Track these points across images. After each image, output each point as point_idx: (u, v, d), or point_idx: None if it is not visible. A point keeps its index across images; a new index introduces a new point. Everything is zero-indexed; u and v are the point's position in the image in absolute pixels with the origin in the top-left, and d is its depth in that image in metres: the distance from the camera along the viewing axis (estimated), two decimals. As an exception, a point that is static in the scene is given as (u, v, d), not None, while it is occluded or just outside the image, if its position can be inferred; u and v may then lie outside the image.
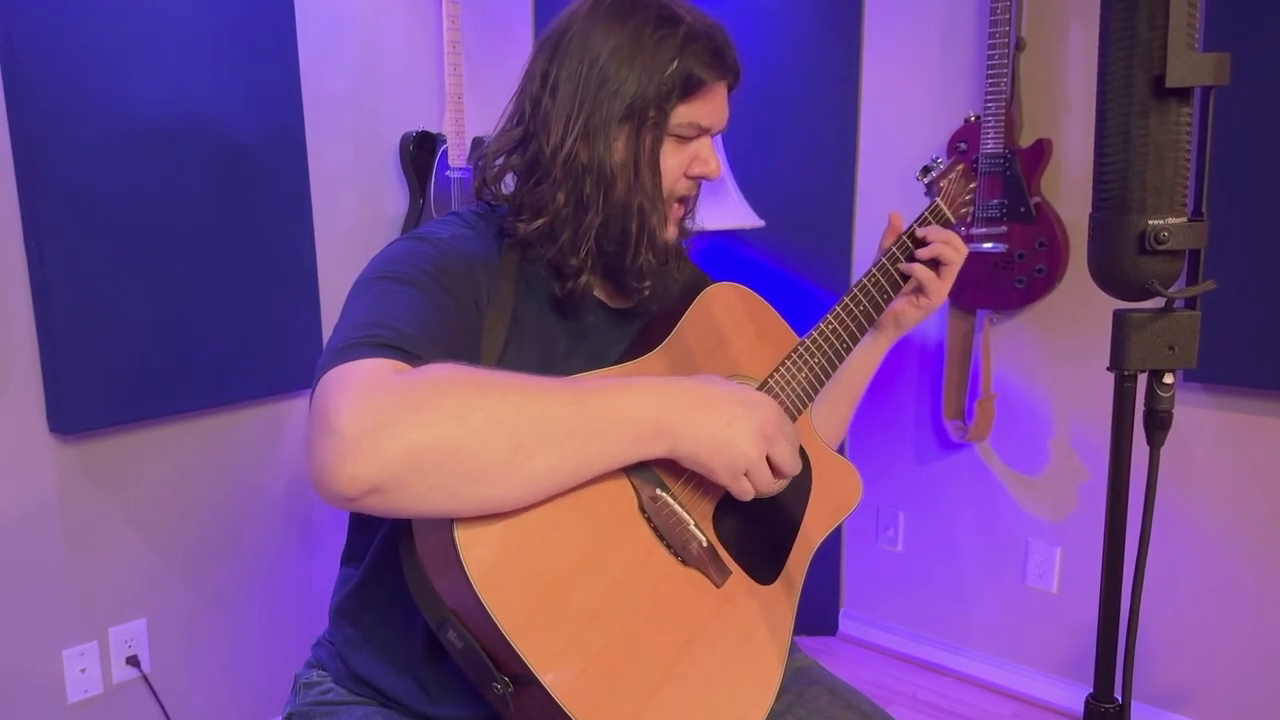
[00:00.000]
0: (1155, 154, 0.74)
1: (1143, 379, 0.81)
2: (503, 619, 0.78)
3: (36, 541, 1.81)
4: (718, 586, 0.95)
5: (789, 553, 1.06)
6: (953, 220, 1.25)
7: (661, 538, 0.92)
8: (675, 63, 0.99)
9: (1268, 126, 1.85)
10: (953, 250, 1.19)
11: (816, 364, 1.11)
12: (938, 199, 1.25)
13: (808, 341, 1.11)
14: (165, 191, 1.85)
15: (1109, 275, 0.79)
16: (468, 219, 1.08)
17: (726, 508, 1.00)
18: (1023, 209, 2.10)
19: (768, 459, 0.92)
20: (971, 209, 1.29)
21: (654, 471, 0.93)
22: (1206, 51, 0.71)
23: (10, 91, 1.67)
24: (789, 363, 1.09)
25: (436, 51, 2.39)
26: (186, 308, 1.91)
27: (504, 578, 0.80)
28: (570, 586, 0.84)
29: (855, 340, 1.15)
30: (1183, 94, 0.73)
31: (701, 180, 1.08)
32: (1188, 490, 2.09)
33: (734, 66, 1.04)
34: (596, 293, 1.10)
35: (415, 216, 2.33)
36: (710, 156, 1.06)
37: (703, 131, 1.05)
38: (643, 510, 0.92)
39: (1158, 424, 0.80)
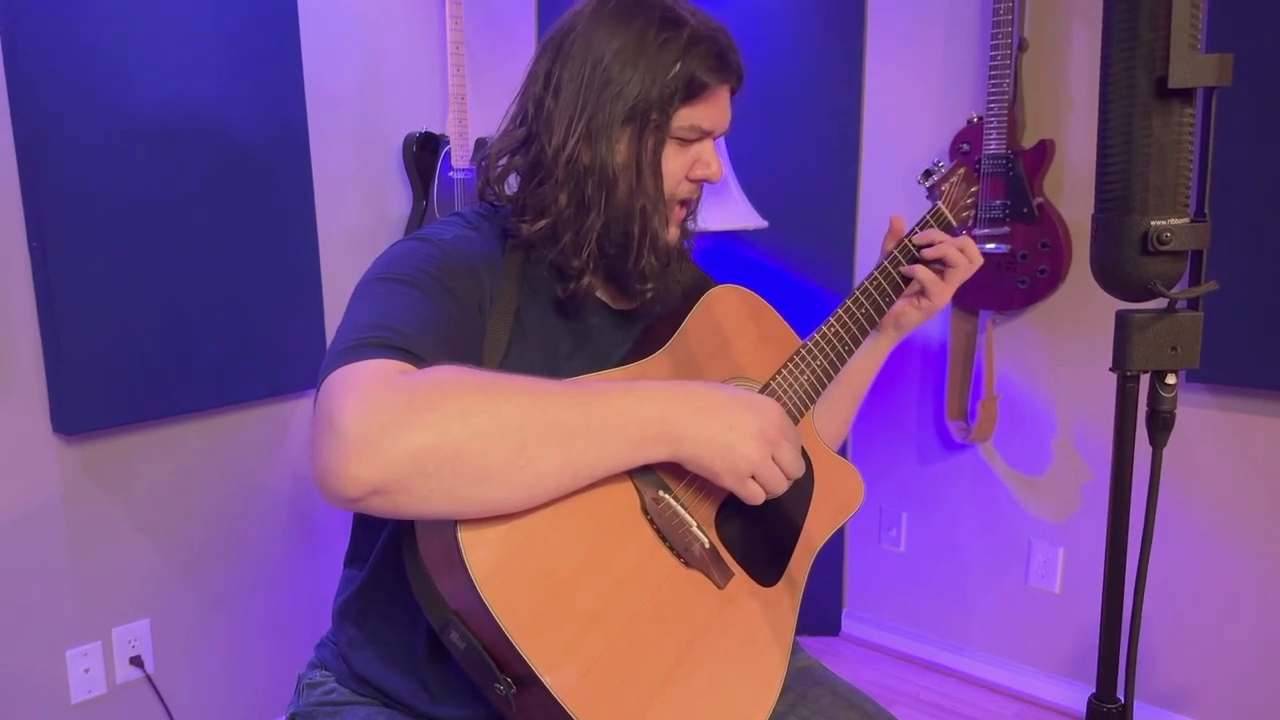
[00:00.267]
0: (1158, 155, 0.74)
1: (1145, 379, 0.81)
2: (505, 620, 0.78)
3: (40, 542, 1.81)
4: (720, 588, 0.95)
5: (791, 554, 1.06)
6: (954, 224, 1.25)
7: (664, 539, 0.92)
8: (678, 65, 0.99)
9: (1270, 127, 1.85)
10: (961, 254, 1.19)
11: (819, 366, 1.11)
12: (939, 202, 1.25)
13: (810, 344, 1.11)
14: (168, 192, 1.85)
15: (1111, 276, 0.79)
16: (471, 220, 1.08)
17: (729, 510, 1.00)
18: (1025, 210, 2.10)
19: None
20: (973, 212, 1.28)
21: (657, 473, 0.93)
22: (1209, 52, 0.71)
23: (13, 91, 1.68)
24: (791, 365, 1.09)
25: (440, 52, 2.39)
26: (190, 308, 1.91)
27: (507, 579, 0.80)
28: (573, 588, 0.84)
29: (857, 343, 1.15)
30: (1185, 95, 0.73)
31: (703, 183, 1.08)
32: (1190, 490, 2.09)
33: (737, 70, 1.04)
34: (599, 294, 1.10)
35: (418, 217, 2.34)
36: (712, 159, 1.06)
37: (705, 134, 1.05)
38: (645, 512, 0.92)
39: (1160, 424, 0.80)
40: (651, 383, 0.90)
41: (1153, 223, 0.75)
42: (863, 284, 1.18)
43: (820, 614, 2.68)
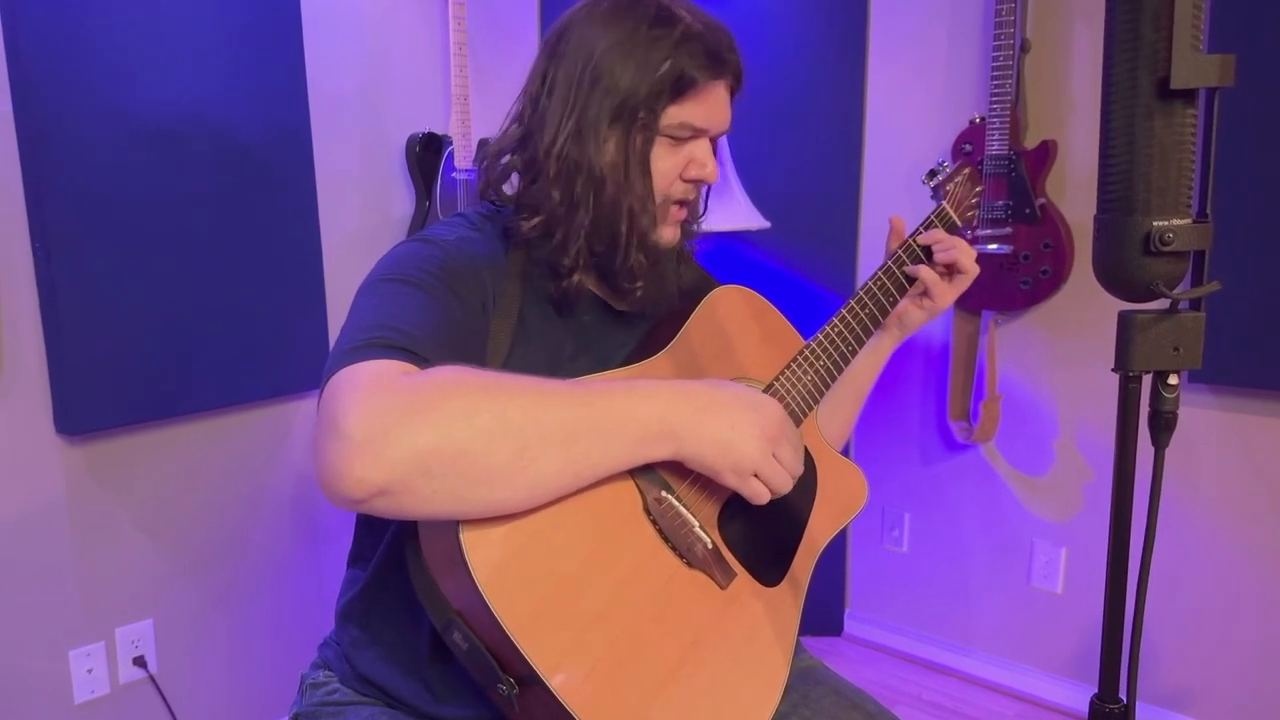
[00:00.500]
0: (1160, 155, 0.74)
1: (1148, 380, 0.81)
2: (508, 620, 0.78)
3: (43, 542, 1.81)
4: (723, 588, 0.95)
5: (794, 555, 1.06)
6: (959, 224, 1.25)
7: (666, 539, 0.92)
8: (668, 62, 0.98)
9: (1272, 128, 1.85)
10: (968, 259, 1.18)
11: (822, 366, 1.11)
12: (943, 202, 1.25)
13: (813, 344, 1.11)
14: (171, 192, 1.86)
15: (1114, 276, 0.79)
16: (473, 220, 1.08)
17: (732, 510, 1.00)
18: (1028, 210, 2.10)
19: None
20: (977, 212, 1.28)
21: (659, 473, 0.93)
22: (1211, 53, 0.71)
23: (17, 92, 1.68)
24: (794, 365, 1.09)
25: (443, 53, 2.40)
26: (193, 308, 1.91)
27: (509, 579, 0.80)
28: (575, 588, 0.84)
29: (861, 343, 1.15)
30: (1187, 95, 0.73)
31: (699, 183, 1.07)
32: (1192, 491, 2.09)
33: (733, 68, 1.03)
34: (600, 294, 1.10)
35: (421, 218, 2.34)
36: (707, 159, 1.05)
37: (697, 133, 1.03)
38: (648, 512, 0.92)
39: (1162, 425, 0.80)
40: (653, 382, 0.90)
41: (1155, 223, 0.75)
42: (866, 284, 1.18)
43: (823, 614, 2.68)
